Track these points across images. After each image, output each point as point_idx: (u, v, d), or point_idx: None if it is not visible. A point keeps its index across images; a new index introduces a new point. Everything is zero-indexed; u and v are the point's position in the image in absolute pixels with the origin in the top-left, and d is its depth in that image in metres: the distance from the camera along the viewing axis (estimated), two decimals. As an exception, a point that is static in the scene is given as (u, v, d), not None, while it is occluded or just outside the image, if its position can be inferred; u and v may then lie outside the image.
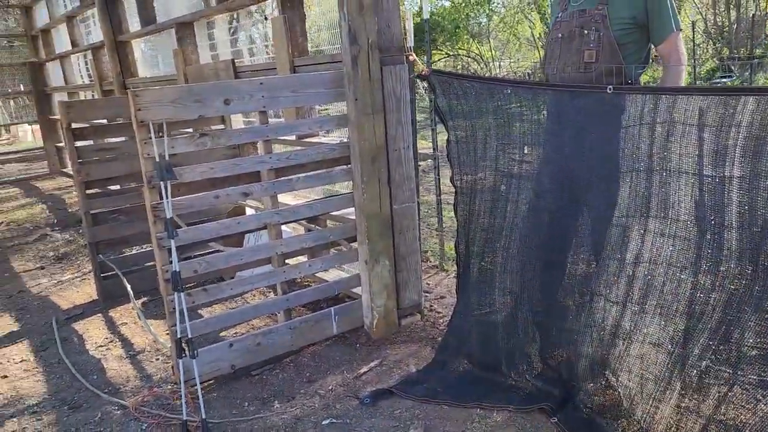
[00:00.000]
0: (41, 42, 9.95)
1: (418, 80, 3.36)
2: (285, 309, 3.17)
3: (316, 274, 3.70)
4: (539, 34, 18.40)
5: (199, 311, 3.76)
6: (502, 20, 19.79)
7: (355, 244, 3.29)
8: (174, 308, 2.73)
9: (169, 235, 2.61)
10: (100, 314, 3.99)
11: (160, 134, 2.67)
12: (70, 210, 7.27)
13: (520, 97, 2.75)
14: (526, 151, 2.73)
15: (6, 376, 3.24)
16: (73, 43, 8.26)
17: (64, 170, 10.13)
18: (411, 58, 3.21)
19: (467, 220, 2.99)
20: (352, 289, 3.49)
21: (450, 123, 3.01)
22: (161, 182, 2.62)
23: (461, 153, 2.99)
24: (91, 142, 4.84)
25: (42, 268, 5.15)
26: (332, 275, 3.78)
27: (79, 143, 4.04)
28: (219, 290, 2.92)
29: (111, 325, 3.82)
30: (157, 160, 2.63)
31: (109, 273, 4.16)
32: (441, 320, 3.45)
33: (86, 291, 4.45)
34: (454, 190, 3.00)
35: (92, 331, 3.73)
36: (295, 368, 3.06)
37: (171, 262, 2.67)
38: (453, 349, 3.00)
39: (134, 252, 4.65)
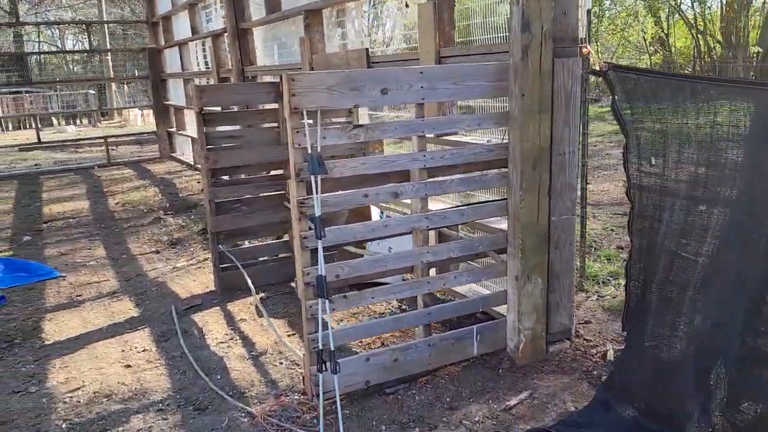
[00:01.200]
0: (161, 29, 10.23)
1: (590, 76, 2.98)
2: (425, 324, 2.86)
3: (452, 288, 3.37)
4: (650, 38, 17.25)
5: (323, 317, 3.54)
6: (612, 22, 18.70)
7: (504, 257, 2.94)
8: (312, 315, 2.49)
9: (317, 234, 2.36)
10: (218, 307, 3.86)
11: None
12: (180, 195, 7.35)
13: (732, 99, 2.30)
14: (738, 164, 2.28)
15: (129, 366, 3.13)
16: (193, 30, 8.38)
17: (173, 155, 10.40)
18: (585, 50, 2.82)
19: (646, 240, 2.57)
20: (493, 307, 3.14)
21: (631, 127, 2.60)
22: (312, 176, 2.38)
23: (643, 162, 2.58)
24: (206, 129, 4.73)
25: (157, 252, 5.14)
26: (464, 289, 3.46)
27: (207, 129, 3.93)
28: (360, 298, 2.64)
29: (230, 319, 3.66)
30: (309, 151, 2.39)
31: (227, 264, 4.04)
32: (592, 350, 3.04)
33: (202, 280, 4.35)
34: (627, 203, 2.60)
35: (211, 325, 3.59)
36: (432, 390, 2.75)
37: (314, 265, 2.43)
38: (619, 389, 2.59)
39: (247, 245, 4.51)
